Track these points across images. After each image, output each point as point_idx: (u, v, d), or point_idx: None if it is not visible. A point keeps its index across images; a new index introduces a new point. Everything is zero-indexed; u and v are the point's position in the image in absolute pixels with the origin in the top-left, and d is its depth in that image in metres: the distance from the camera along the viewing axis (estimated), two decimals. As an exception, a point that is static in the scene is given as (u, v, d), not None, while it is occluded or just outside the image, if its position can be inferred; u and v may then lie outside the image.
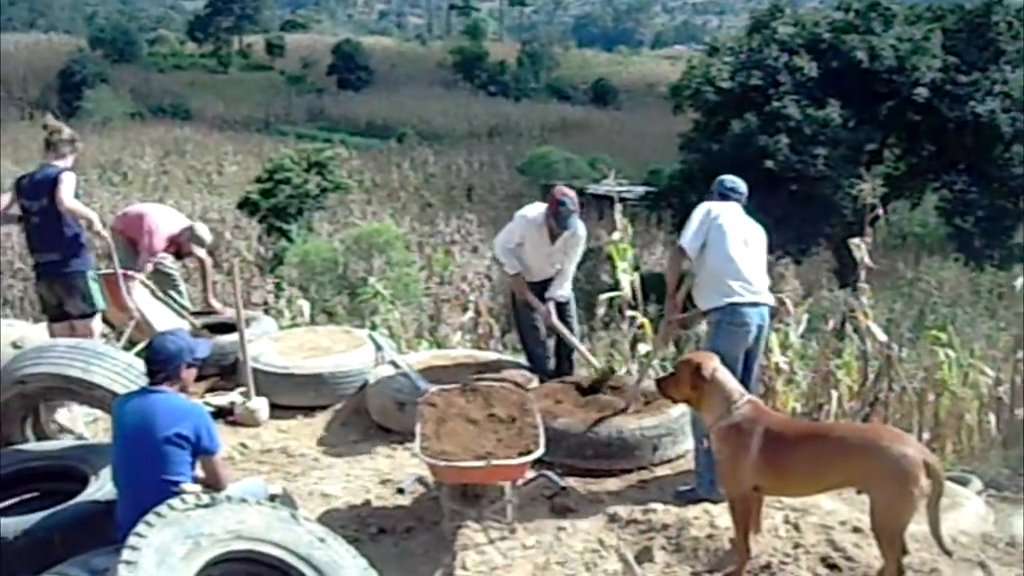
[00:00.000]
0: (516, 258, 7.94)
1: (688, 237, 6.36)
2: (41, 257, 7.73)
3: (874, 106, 24.76)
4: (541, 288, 7.99)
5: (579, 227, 7.83)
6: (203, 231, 9.70)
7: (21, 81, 62.61)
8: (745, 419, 5.37)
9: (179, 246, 9.56)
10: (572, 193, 7.83)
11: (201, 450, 5.05)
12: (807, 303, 12.14)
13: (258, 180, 27.44)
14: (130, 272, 8.42)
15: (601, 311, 10.75)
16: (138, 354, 6.16)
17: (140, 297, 8.54)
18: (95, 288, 7.82)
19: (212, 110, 62.67)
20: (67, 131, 7.83)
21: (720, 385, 5.50)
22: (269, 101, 66.05)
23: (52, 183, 7.45)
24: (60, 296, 7.76)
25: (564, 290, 8.07)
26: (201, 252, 9.72)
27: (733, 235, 6.37)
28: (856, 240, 9.63)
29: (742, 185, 6.73)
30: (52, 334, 7.90)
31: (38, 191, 7.55)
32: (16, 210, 7.80)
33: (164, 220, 9.61)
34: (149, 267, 8.81)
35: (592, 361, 8.02)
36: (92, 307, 7.80)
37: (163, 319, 8.45)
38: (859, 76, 24.57)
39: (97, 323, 7.93)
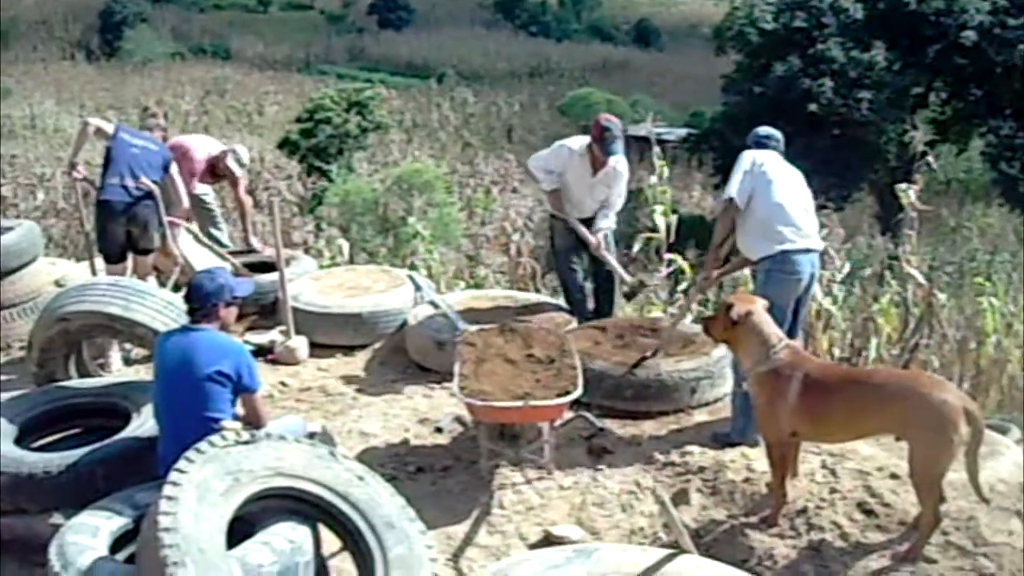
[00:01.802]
0: (555, 178, 7.95)
1: (735, 187, 6.27)
2: (124, 188, 7.93)
3: (920, 49, 24.35)
4: (585, 225, 7.96)
5: (622, 158, 7.79)
6: (242, 151, 9.80)
7: (62, 21, 62.68)
8: (783, 364, 5.35)
9: (218, 167, 9.61)
10: (617, 120, 7.79)
11: (241, 388, 5.11)
12: (848, 248, 12.04)
13: (298, 120, 27.36)
14: (174, 219, 8.49)
15: (636, 247, 10.66)
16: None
17: (185, 243, 8.62)
18: (160, 230, 8.16)
19: (252, 50, 62.44)
20: (161, 118, 8.83)
21: (757, 328, 5.47)
22: (309, 40, 65.72)
23: (160, 150, 8.27)
24: (133, 231, 7.98)
25: (611, 221, 8.06)
26: (240, 171, 9.73)
27: (779, 182, 6.28)
28: (904, 186, 9.51)
29: (777, 133, 6.63)
30: (109, 274, 8.01)
31: (143, 138, 8.23)
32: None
33: (201, 145, 9.74)
34: (187, 203, 8.84)
35: (626, 278, 8.01)
36: (158, 243, 8.15)
37: (207, 263, 8.51)
38: (906, 18, 24.16)
39: (151, 260, 8.23)
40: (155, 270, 8.41)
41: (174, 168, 8.38)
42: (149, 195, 7.96)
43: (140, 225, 7.93)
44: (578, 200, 7.98)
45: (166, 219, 8.26)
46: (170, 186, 8.33)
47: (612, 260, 8.02)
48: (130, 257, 8.11)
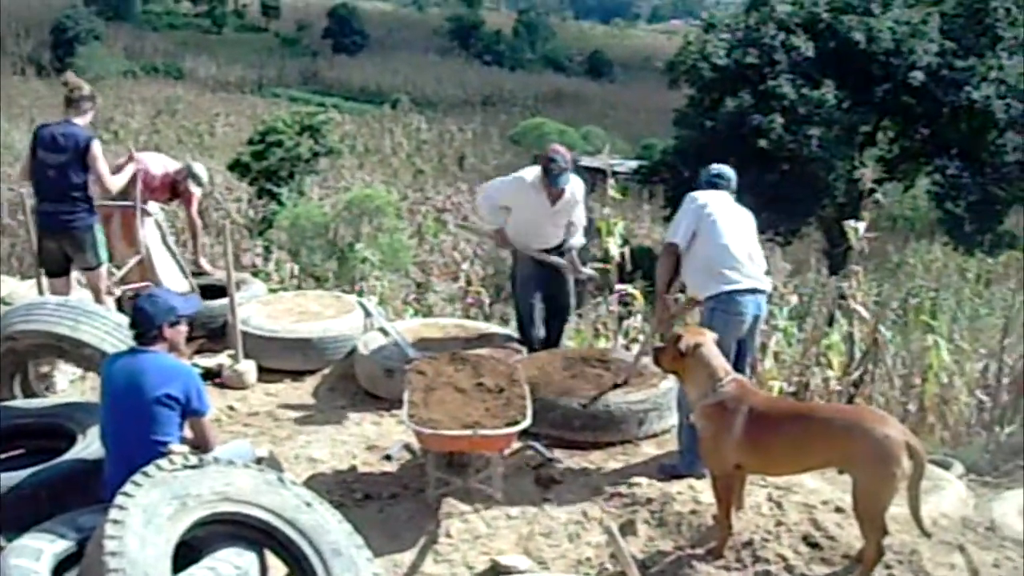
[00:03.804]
0: (498, 215, 7.94)
1: (679, 232, 6.32)
2: (52, 208, 7.72)
3: (869, 88, 24.69)
4: (548, 253, 7.98)
5: (578, 181, 7.83)
6: (200, 170, 9.41)
7: (14, 36, 62.10)
8: (729, 397, 5.39)
9: (175, 186, 9.37)
10: (564, 150, 7.77)
11: (190, 411, 5.07)
12: (795, 286, 12.18)
13: (250, 142, 27.24)
14: (147, 208, 8.43)
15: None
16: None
17: (151, 236, 8.52)
18: (101, 241, 7.89)
19: (205, 70, 62.28)
20: (87, 88, 7.93)
21: (704, 361, 5.51)
22: (263, 63, 65.65)
23: (77, 144, 7.60)
24: (68, 249, 7.79)
25: (579, 239, 8.10)
26: (198, 192, 9.53)
27: (725, 222, 6.31)
28: (852, 223, 9.62)
29: (729, 172, 6.67)
30: (52, 289, 7.93)
31: (59, 147, 7.63)
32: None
33: (157, 161, 9.49)
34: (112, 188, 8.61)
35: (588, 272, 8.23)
36: (99, 260, 7.88)
37: (166, 264, 8.47)
38: (856, 57, 24.49)
39: (104, 273, 8.01)
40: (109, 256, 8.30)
41: (97, 151, 7.76)
42: (81, 211, 7.73)
43: (74, 244, 7.79)
44: (539, 230, 7.93)
45: (140, 207, 8.23)
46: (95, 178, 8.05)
47: (587, 271, 8.16)
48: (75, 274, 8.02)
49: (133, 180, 8.43)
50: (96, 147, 7.70)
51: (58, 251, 7.82)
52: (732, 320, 6.19)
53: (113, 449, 5.07)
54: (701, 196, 6.44)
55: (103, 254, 7.93)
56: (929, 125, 25.68)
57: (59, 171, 7.63)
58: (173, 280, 8.48)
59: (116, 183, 8.09)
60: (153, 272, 8.35)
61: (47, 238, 7.85)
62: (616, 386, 6.95)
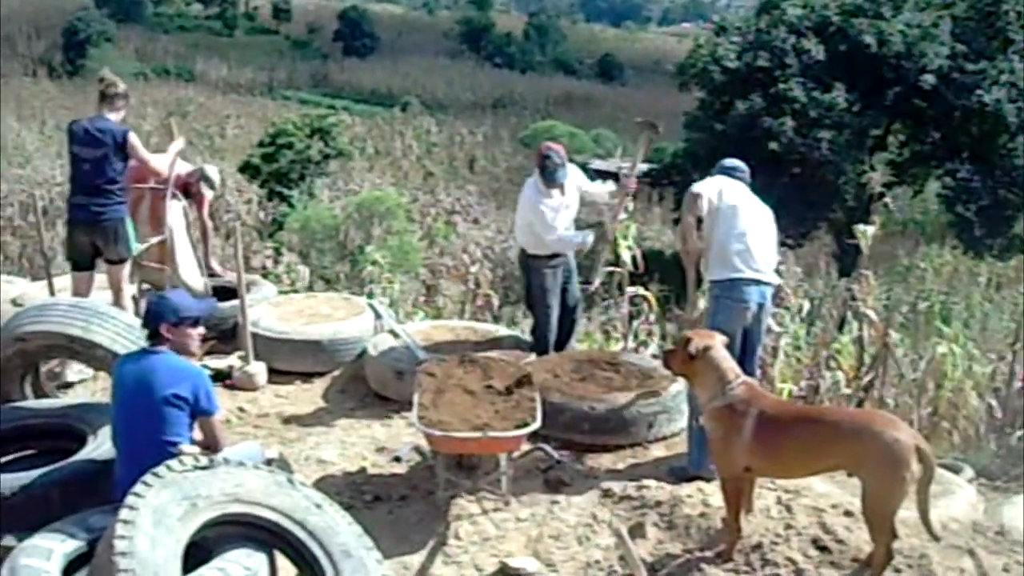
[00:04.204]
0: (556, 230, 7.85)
1: (702, 184, 6.39)
2: (85, 200, 7.79)
3: (880, 91, 24.61)
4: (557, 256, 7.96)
5: (574, 172, 7.87)
6: (213, 172, 9.48)
7: (26, 38, 62.28)
8: (739, 400, 5.39)
9: (188, 188, 9.38)
10: (557, 147, 7.78)
11: (199, 411, 5.08)
12: (806, 289, 12.15)
13: (260, 144, 27.28)
14: (178, 193, 8.48)
15: (598, 282, 10.66)
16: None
17: (177, 221, 8.53)
18: (132, 235, 7.96)
19: (216, 73, 62.37)
20: (122, 85, 8.09)
21: (714, 364, 5.51)
22: (274, 65, 65.71)
23: (113, 138, 7.70)
24: (98, 242, 7.84)
25: (600, 187, 8.19)
26: (210, 194, 9.54)
27: (744, 210, 6.36)
28: (863, 227, 9.61)
29: (743, 165, 6.69)
30: (75, 283, 8.01)
31: (95, 142, 7.72)
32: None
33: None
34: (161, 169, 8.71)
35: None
36: (128, 253, 7.94)
37: (185, 252, 8.47)
38: (866, 61, 24.42)
39: (127, 270, 8.05)
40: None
41: (135, 141, 7.93)
42: (114, 204, 7.82)
43: (104, 238, 7.85)
44: (559, 224, 7.84)
45: (172, 190, 8.34)
46: (141, 164, 8.17)
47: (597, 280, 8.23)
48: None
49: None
50: (133, 137, 7.84)
51: (88, 244, 7.87)
52: (736, 307, 6.22)
53: (123, 449, 5.09)
54: (723, 181, 6.47)
55: (133, 248, 7.99)
56: (940, 129, 25.58)
57: (94, 165, 7.72)
58: (189, 269, 8.48)
59: (162, 164, 8.26)
60: (172, 256, 8.33)
61: (78, 231, 7.90)
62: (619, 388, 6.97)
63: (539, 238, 7.80)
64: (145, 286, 8.54)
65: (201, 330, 5.35)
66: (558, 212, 7.75)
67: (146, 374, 5.06)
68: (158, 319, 5.16)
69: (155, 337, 5.17)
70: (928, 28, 24.48)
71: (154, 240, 8.24)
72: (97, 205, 7.75)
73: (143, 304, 8.31)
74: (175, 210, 8.51)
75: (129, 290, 8.10)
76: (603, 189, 8.19)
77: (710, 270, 6.38)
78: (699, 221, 6.37)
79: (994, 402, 9.26)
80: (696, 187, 6.42)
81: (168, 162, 8.36)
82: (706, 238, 6.36)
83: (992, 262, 23.92)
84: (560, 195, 7.76)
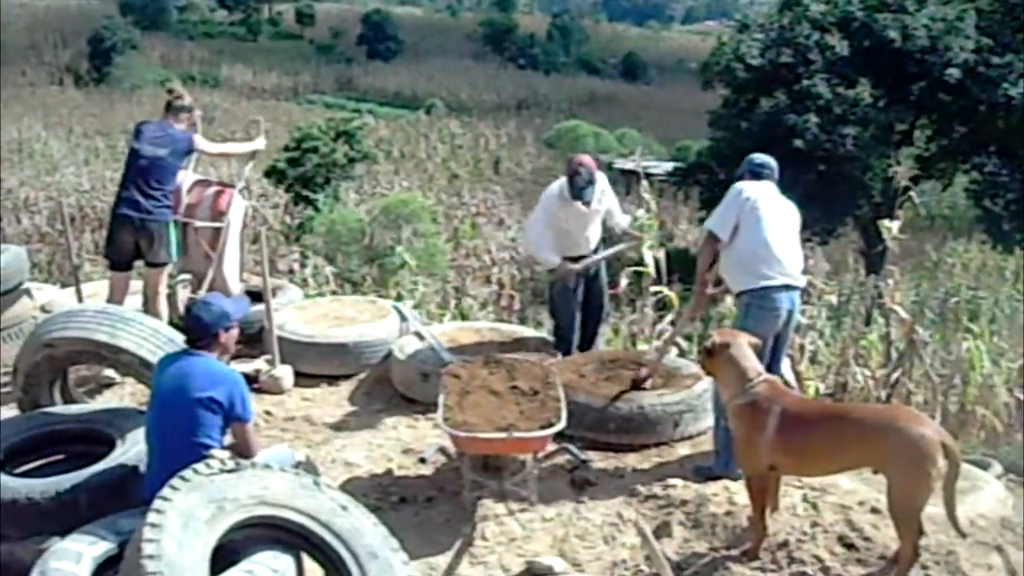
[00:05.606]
0: (551, 248, 7.87)
1: (718, 221, 6.30)
2: (135, 196, 7.87)
3: (905, 86, 24.50)
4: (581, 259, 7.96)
5: (602, 177, 7.85)
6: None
7: (51, 46, 62.77)
8: (761, 398, 5.37)
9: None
10: (589, 161, 7.77)
11: (233, 417, 5.12)
12: (833, 285, 12.10)
13: (286, 149, 27.40)
14: (247, 193, 8.62)
15: (624, 283, 10.65)
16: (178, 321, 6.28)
17: (236, 215, 8.62)
18: (175, 241, 8.08)
19: (241, 78, 62.75)
20: (188, 99, 8.33)
21: (734, 362, 5.50)
22: (298, 70, 66.01)
23: (174, 143, 7.95)
24: (142, 243, 7.92)
25: (623, 218, 8.21)
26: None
27: (768, 216, 6.27)
28: (888, 222, 9.56)
29: (772, 162, 6.61)
30: (112, 283, 8.11)
31: (158, 141, 7.92)
32: None
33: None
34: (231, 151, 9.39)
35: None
36: (168, 257, 8.06)
37: (234, 248, 8.54)
38: (891, 56, 24.31)
39: (166, 275, 8.18)
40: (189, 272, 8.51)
41: (201, 141, 8.22)
42: (163, 207, 7.93)
43: (149, 239, 7.91)
44: (576, 237, 7.89)
45: (239, 187, 8.63)
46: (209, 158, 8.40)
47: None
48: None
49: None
50: (198, 138, 8.13)
51: (131, 244, 7.94)
52: (767, 315, 6.17)
53: (156, 449, 5.14)
54: (748, 188, 6.36)
55: (174, 253, 8.09)
56: (966, 122, 25.43)
57: (151, 163, 7.87)
58: (232, 267, 8.54)
59: (237, 149, 9.00)
60: (223, 247, 8.39)
61: (124, 230, 7.95)
62: (638, 384, 6.96)
63: (559, 239, 7.85)
64: (183, 277, 8.60)
65: (236, 331, 5.41)
66: (568, 221, 7.81)
67: (183, 375, 5.10)
68: (214, 327, 5.21)
69: (200, 344, 5.22)
70: (953, 22, 24.34)
71: (213, 224, 8.33)
72: (147, 201, 7.84)
73: (180, 302, 8.44)
74: (238, 205, 8.58)
75: (164, 295, 8.16)
76: (626, 222, 8.23)
77: (737, 280, 6.32)
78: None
79: (1022, 397, 9.20)
80: (711, 225, 6.40)
81: (240, 148, 8.91)
82: (730, 249, 6.31)
83: (1020, 256, 23.73)
84: (583, 208, 7.79)
